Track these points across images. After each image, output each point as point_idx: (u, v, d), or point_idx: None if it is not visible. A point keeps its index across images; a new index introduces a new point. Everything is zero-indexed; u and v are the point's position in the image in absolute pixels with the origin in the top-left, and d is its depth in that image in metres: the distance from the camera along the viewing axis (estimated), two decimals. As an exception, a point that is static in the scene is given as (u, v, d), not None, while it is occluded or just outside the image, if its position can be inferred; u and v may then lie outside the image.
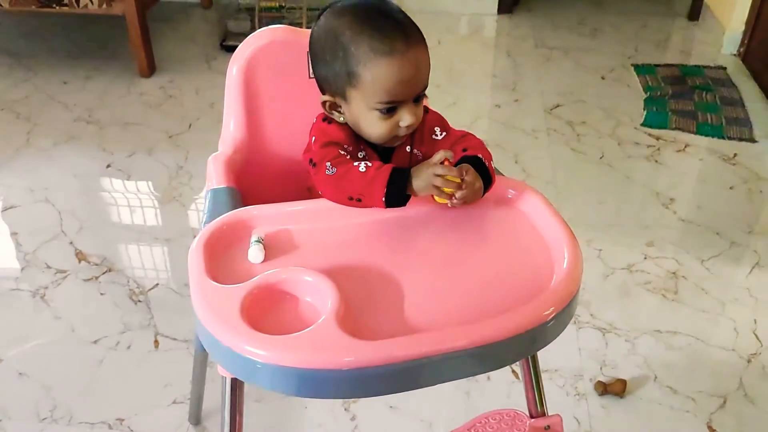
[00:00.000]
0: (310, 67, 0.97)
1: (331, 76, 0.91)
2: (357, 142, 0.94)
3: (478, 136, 0.98)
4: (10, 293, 1.69)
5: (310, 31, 0.97)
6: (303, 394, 0.70)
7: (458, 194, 0.85)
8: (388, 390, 0.71)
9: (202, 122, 2.39)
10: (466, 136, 0.97)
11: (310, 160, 0.90)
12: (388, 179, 0.84)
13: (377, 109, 0.88)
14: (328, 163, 0.87)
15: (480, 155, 0.91)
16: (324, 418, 1.40)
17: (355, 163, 0.86)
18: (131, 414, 1.39)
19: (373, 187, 0.85)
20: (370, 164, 0.86)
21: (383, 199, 0.84)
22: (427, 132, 0.97)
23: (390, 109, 0.88)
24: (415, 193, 0.86)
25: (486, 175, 0.89)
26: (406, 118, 0.89)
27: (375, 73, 0.86)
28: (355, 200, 0.86)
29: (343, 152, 0.90)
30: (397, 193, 0.85)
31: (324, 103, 0.94)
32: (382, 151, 0.96)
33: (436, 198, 0.86)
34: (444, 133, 0.98)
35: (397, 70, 0.86)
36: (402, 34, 0.87)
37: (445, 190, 0.84)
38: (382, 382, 0.69)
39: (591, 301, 1.67)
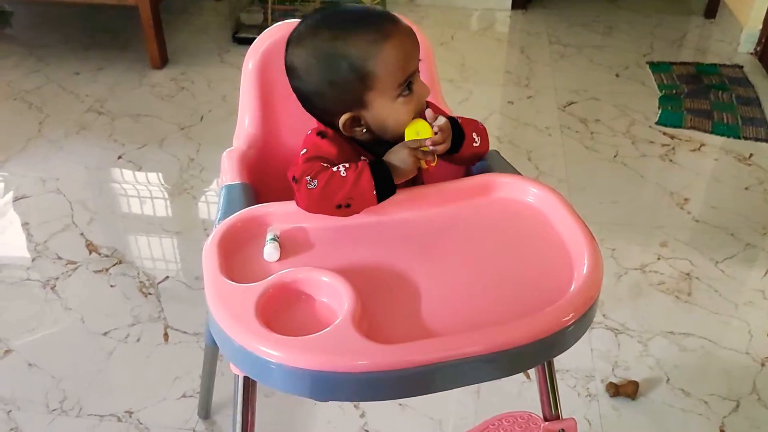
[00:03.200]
0: (308, 102, 0.92)
1: (343, 92, 0.88)
2: (356, 153, 0.93)
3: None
4: (21, 283, 1.69)
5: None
6: (317, 396, 0.69)
7: (428, 141, 0.88)
8: (403, 394, 0.70)
9: (213, 114, 2.39)
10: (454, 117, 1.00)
11: (293, 177, 0.88)
12: (372, 173, 0.85)
13: (399, 95, 0.88)
14: (308, 177, 0.85)
15: (457, 119, 0.95)
16: (333, 415, 1.39)
17: (334, 169, 0.85)
18: (140, 407, 1.39)
19: (360, 186, 0.84)
20: (347, 166, 0.86)
21: (374, 193, 0.85)
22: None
23: (408, 86, 0.89)
24: (400, 177, 0.87)
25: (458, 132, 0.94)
26: (423, 92, 0.91)
27: (385, 60, 0.86)
28: (344, 207, 0.85)
29: (326, 164, 0.87)
30: (386, 183, 0.85)
31: (344, 124, 0.90)
32: None
33: (422, 164, 0.89)
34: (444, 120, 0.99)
35: (400, 46, 0.87)
36: (383, 17, 0.89)
37: (424, 155, 0.89)
38: (397, 386, 0.68)
39: (603, 301, 1.66)
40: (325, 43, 0.87)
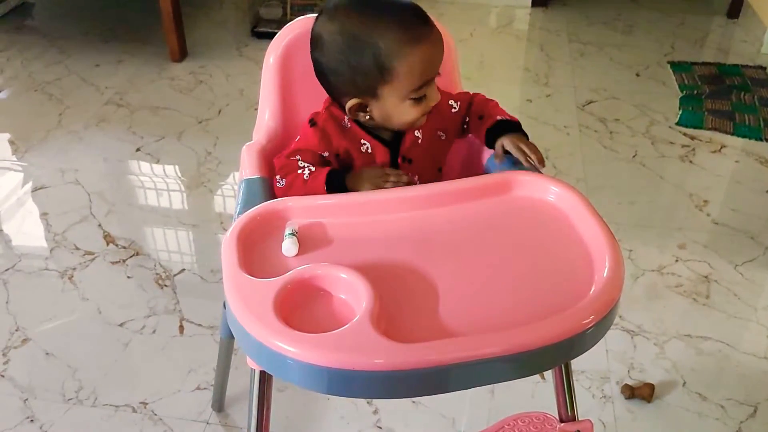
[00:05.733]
0: (322, 76, 0.94)
1: (358, 78, 0.89)
2: (347, 138, 0.95)
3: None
4: (39, 273, 1.71)
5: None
6: (333, 392, 0.69)
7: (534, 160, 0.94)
8: (420, 393, 0.70)
9: (231, 108, 2.39)
10: (472, 100, 1.04)
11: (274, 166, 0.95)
12: (326, 180, 0.89)
13: (410, 97, 0.90)
14: (278, 177, 0.92)
15: (498, 117, 0.99)
16: (346, 410, 1.39)
17: (299, 171, 0.91)
18: (155, 398, 1.40)
19: (313, 190, 0.89)
20: (313, 169, 0.91)
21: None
22: (445, 107, 1.01)
23: (423, 89, 0.90)
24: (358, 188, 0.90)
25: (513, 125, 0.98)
26: (434, 98, 0.92)
27: (409, 63, 0.87)
28: None
29: (302, 163, 0.92)
30: (337, 189, 0.89)
31: (351, 107, 0.92)
32: (390, 141, 0.97)
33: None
34: (458, 103, 1.03)
35: (427, 53, 0.88)
36: (419, 18, 0.89)
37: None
38: (414, 385, 0.68)
39: (620, 302, 1.64)
40: (357, 27, 0.87)
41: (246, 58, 2.73)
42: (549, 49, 2.89)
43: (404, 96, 0.89)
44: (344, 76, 0.90)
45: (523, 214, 0.88)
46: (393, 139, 0.97)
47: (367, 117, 0.93)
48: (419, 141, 0.98)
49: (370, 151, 0.96)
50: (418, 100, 0.90)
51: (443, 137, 1.02)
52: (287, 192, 0.90)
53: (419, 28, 0.88)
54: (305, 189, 0.89)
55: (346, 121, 0.96)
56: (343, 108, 0.94)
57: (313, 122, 0.95)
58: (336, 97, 0.95)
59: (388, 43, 0.86)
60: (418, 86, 0.89)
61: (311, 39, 0.93)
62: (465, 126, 1.05)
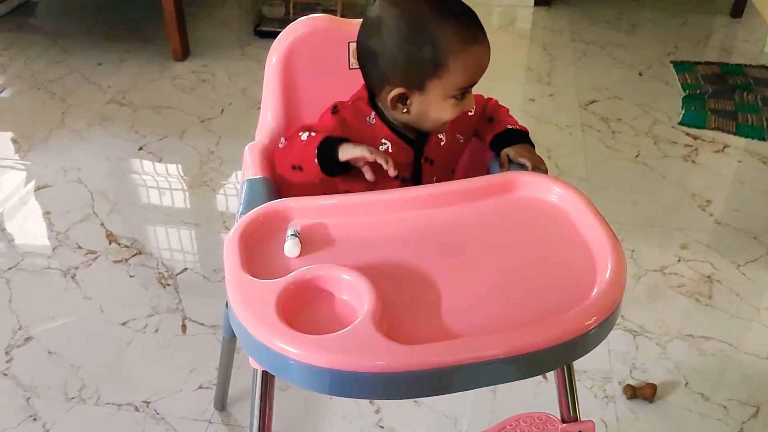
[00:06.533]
0: (371, 60, 0.91)
1: (412, 68, 0.88)
2: (373, 138, 0.94)
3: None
4: (41, 272, 1.71)
5: (361, 20, 0.94)
6: (335, 393, 0.69)
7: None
8: (422, 394, 0.70)
9: (234, 107, 2.40)
10: (486, 104, 1.06)
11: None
12: (319, 143, 0.88)
13: (453, 96, 0.90)
14: (283, 138, 0.95)
15: (509, 126, 1.01)
16: (348, 410, 1.39)
17: (299, 133, 0.92)
18: (157, 397, 1.40)
19: (308, 152, 0.89)
20: (314, 134, 0.91)
21: (316, 161, 0.88)
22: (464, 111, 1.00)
23: (464, 94, 0.91)
24: (345, 157, 0.88)
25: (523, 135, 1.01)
26: (470, 104, 0.93)
27: (464, 62, 0.88)
28: (298, 168, 0.91)
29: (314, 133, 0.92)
30: (328, 155, 0.88)
31: (393, 97, 0.91)
32: (415, 141, 0.97)
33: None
34: (474, 107, 1.02)
35: (481, 56, 0.90)
36: (477, 20, 0.90)
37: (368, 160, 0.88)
38: (416, 386, 0.68)
39: (622, 302, 1.64)
40: (424, 18, 0.87)
41: (249, 57, 2.73)
42: (552, 49, 2.89)
43: (449, 94, 0.89)
44: (398, 64, 0.89)
45: (525, 215, 0.87)
46: (417, 138, 0.97)
47: (405, 110, 0.92)
48: (442, 143, 0.99)
49: (390, 150, 0.95)
50: (458, 101, 0.90)
51: (461, 140, 1.03)
52: (285, 150, 0.93)
53: (477, 30, 0.89)
54: (300, 152, 0.90)
55: (372, 117, 0.95)
56: (375, 97, 0.94)
57: (336, 110, 0.95)
58: (378, 84, 0.92)
59: (450, 39, 0.86)
60: (464, 86, 0.89)
61: (366, 23, 0.92)
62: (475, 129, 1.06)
